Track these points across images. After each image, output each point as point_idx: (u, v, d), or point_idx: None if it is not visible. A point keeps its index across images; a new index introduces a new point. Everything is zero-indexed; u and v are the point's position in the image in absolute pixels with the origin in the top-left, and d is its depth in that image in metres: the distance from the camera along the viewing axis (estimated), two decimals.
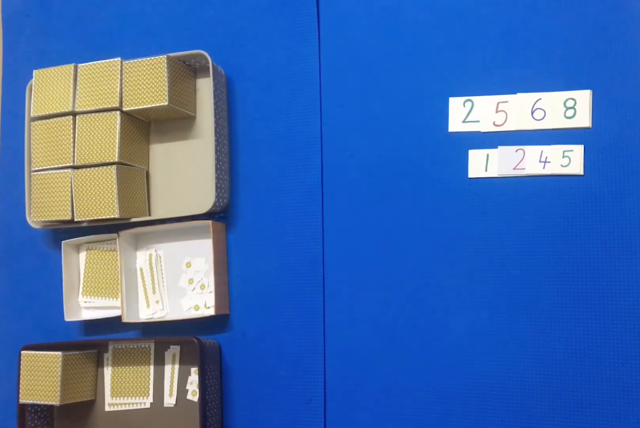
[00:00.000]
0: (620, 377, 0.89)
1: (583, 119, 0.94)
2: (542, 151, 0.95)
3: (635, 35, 0.93)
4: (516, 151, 0.96)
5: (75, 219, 1.08)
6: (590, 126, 0.93)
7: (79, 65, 1.11)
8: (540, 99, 0.96)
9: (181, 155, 1.13)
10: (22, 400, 1.07)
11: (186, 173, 1.12)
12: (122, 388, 1.11)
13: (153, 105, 1.06)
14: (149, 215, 1.13)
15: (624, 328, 0.90)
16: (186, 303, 1.10)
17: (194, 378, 1.07)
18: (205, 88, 1.12)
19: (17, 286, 1.22)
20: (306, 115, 1.08)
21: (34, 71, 1.13)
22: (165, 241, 1.13)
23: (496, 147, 0.97)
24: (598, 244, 0.92)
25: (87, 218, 1.08)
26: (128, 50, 1.15)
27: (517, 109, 0.97)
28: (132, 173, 1.10)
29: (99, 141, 1.08)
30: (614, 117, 0.93)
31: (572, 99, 0.94)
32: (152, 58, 1.06)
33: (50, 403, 1.05)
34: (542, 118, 0.95)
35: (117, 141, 1.07)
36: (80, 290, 1.16)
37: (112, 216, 1.06)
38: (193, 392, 1.07)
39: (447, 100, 1.00)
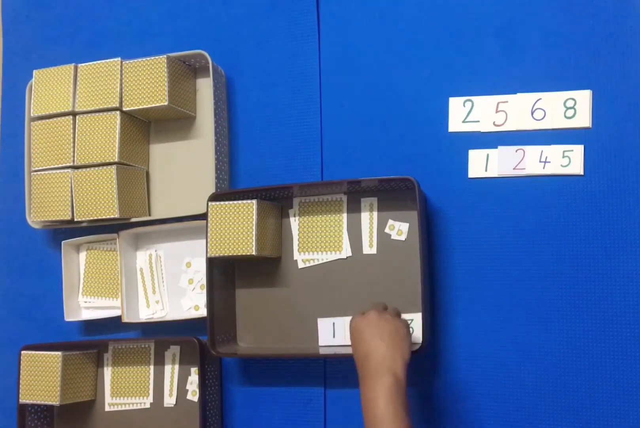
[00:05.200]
0: (620, 377, 0.89)
1: (583, 119, 0.93)
2: (542, 151, 0.95)
3: (635, 35, 0.93)
4: (516, 151, 0.96)
5: (75, 219, 1.08)
6: (590, 126, 0.93)
7: (79, 65, 1.11)
8: (540, 99, 0.96)
9: (181, 155, 1.13)
10: (22, 400, 1.07)
11: (186, 173, 1.12)
12: (122, 388, 1.11)
13: (153, 105, 1.06)
14: (149, 215, 1.13)
15: (624, 328, 0.89)
16: (186, 303, 1.10)
17: (194, 378, 1.07)
18: (205, 88, 1.12)
19: (17, 286, 1.22)
20: (306, 115, 1.08)
21: (34, 71, 1.13)
22: (165, 241, 1.13)
23: (496, 147, 0.97)
24: (598, 244, 0.92)
25: (87, 218, 1.08)
26: (128, 51, 1.15)
27: (517, 109, 0.97)
28: (132, 173, 1.10)
29: (99, 141, 1.08)
30: (614, 117, 0.93)
31: (572, 99, 0.94)
32: (152, 58, 1.06)
33: (50, 403, 1.05)
34: (542, 118, 0.95)
35: (117, 141, 1.07)
36: (80, 290, 1.15)
37: (112, 216, 1.06)
38: (193, 392, 1.07)
39: (447, 100, 1.00)
